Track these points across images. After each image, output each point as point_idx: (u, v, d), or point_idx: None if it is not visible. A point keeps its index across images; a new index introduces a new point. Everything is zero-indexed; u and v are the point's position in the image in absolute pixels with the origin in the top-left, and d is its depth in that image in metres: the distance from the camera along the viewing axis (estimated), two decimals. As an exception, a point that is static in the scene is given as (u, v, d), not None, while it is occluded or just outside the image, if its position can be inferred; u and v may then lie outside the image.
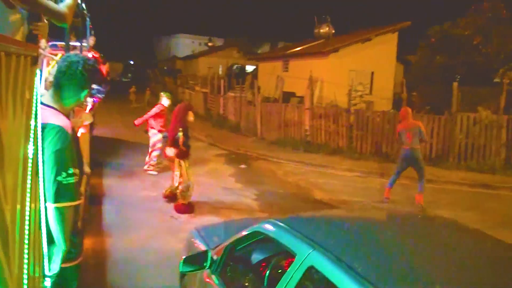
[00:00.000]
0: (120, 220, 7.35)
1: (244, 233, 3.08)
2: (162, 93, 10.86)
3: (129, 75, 73.62)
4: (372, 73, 22.10)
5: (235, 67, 38.59)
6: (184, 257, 3.18)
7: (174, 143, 7.68)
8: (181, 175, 7.80)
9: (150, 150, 10.58)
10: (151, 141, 10.54)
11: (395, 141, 13.09)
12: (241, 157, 13.90)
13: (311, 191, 10.09)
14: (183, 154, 7.73)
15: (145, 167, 10.63)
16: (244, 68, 39.34)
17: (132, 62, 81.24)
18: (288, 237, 2.57)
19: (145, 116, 10.46)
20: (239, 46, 45.67)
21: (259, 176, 11.44)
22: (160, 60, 71.69)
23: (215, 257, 3.21)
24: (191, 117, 7.85)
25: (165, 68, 55.77)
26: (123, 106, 29.21)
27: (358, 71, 21.04)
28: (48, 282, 2.42)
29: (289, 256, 3.10)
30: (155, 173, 10.50)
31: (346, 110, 14.24)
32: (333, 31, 25.06)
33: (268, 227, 2.80)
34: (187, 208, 7.81)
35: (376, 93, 21.03)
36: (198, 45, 78.75)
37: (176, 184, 7.99)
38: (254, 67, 37.71)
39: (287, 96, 19.31)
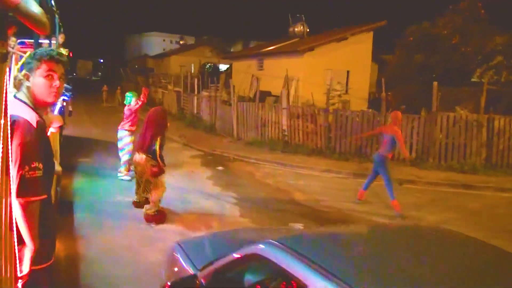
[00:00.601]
0: (92, 229, 6.82)
1: (238, 256, 2.67)
2: (128, 93, 10.26)
3: (99, 73, 72.53)
4: (348, 72, 21.95)
5: (208, 65, 38.07)
6: (169, 283, 2.76)
7: (150, 154, 7.15)
8: (155, 187, 7.26)
9: (120, 153, 10.06)
10: (121, 144, 10.00)
11: (374, 141, 12.95)
12: (217, 159, 13.46)
13: (291, 193, 9.74)
14: (161, 171, 7.21)
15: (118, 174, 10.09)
16: (218, 66, 38.85)
17: (102, 61, 80.00)
18: (295, 265, 2.17)
19: (133, 117, 9.91)
20: (212, 44, 45.11)
21: (237, 179, 11.04)
22: (131, 58, 70.55)
23: (204, 282, 2.80)
24: (168, 124, 7.37)
25: (136, 66, 54.84)
26: (93, 105, 28.45)
27: (334, 70, 20.82)
28: (20, 283, 2.37)
29: (287, 278, 2.73)
30: (128, 178, 9.89)
31: (324, 109, 13.94)
32: (308, 30, 24.85)
33: (270, 251, 2.39)
34: (158, 217, 7.30)
35: (352, 92, 20.88)
36: (169, 43, 78.09)
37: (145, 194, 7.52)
38: (228, 65, 37.29)
39: (263, 95, 18.93)
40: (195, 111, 20.96)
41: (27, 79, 2.62)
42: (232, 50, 50.11)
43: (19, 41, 7.43)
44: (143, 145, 7.24)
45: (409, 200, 9.05)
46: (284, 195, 9.61)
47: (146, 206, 7.27)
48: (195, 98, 21.24)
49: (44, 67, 2.62)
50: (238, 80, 22.50)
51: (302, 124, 14.24)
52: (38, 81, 2.61)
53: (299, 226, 7.51)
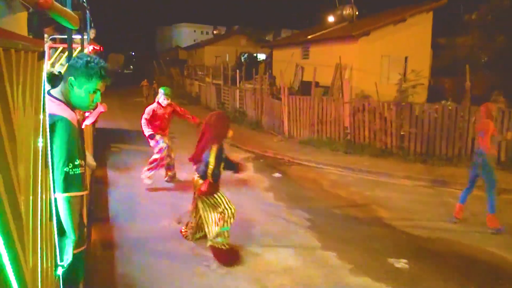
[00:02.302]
0: (137, 274, 5.16)
1: None
2: (160, 89, 8.90)
3: (131, 66, 72.29)
4: (406, 58, 19.73)
5: (245, 55, 36.33)
6: None
7: (199, 172, 5.54)
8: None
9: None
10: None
11: (457, 140, 10.97)
12: (270, 162, 11.69)
13: (373, 210, 7.87)
14: (209, 190, 5.46)
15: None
16: (255, 56, 37.03)
17: (133, 54, 79.71)
18: None
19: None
20: (249, 33, 43.30)
21: (301, 189, 9.22)
22: (162, 50, 69.70)
23: None
24: (230, 133, 5.62)
25: (167, 58, 53.66)
26: (125, 101, 27.06)
27: (391, 56, 18.77)
28: (59, 270, 2.43)
29: None
30: (149, 181, 8.76)
31: (397, 103, 11.92)
32: (357, 13, 22.78)
33: None
34: (226, 256, 5.57)
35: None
36: (200, 34, 77.08)
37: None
38: (265, 55, 35.49)
39: (310, 86, 17.04)
40: (238, 106, 19.16)
41: (71, 84, 2.70)
42: (267, 38, 48.22)
43: (50, 37, 7.96)
44: (196, 159, 5.62)
45: (504, 216, 7.09)
46: (365, 213, 7.74)
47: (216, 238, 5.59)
48: (237, 91, 19.43)
49: (93, 83, 2.71)
50: (279, 70, 20.68)
51: (368, 121, 12.25)
52: (82, 94, 2.72)
53: (402, 263, 5.70)
